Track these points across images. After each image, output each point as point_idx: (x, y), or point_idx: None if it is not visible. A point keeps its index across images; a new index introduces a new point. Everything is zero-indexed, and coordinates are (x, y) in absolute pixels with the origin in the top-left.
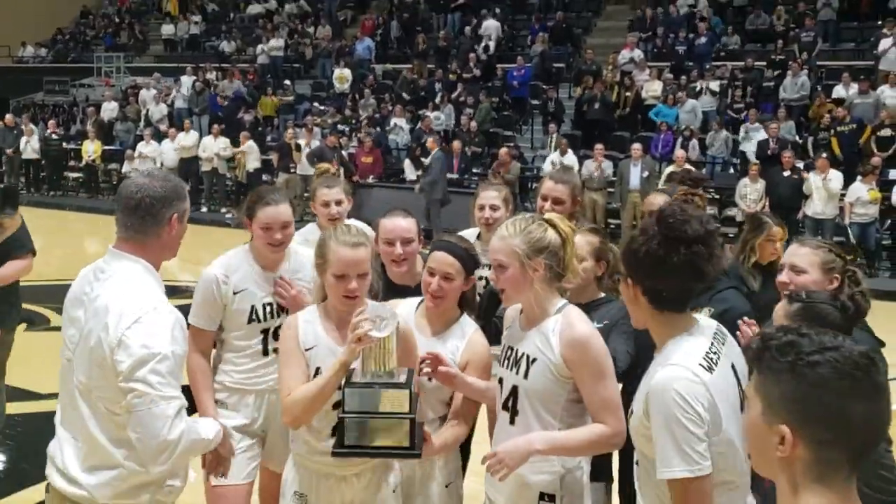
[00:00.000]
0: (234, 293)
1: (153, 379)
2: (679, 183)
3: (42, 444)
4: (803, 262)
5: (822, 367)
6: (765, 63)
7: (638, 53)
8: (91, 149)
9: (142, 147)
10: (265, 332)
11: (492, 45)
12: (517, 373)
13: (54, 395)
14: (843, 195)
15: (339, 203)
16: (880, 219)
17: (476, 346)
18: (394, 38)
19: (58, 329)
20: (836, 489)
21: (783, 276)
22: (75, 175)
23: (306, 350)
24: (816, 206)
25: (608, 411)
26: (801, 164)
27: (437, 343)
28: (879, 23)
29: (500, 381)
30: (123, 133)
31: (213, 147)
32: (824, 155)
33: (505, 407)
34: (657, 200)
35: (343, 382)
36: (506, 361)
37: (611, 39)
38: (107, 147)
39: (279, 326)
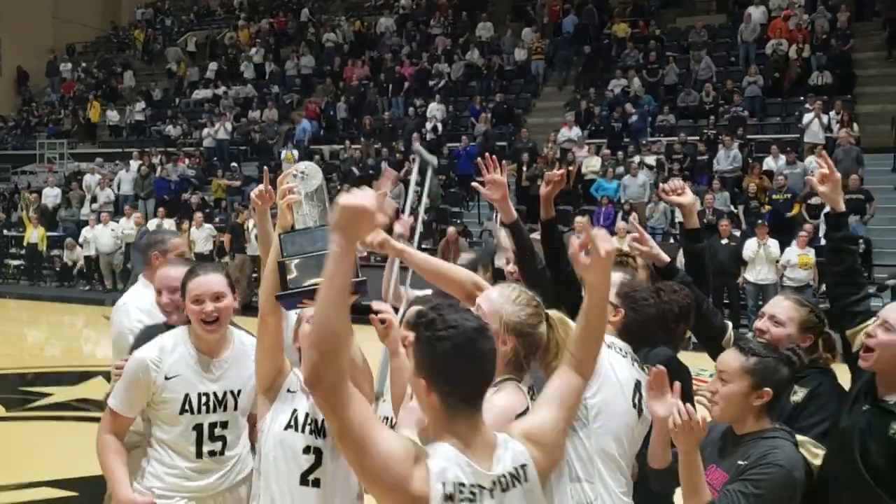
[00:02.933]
0: (166, 378)
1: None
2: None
3: None
4: (783, 315)
5: (444, 342)
6: (697, 137)
7: (576, 132)
8: (35, 235)
9: (86, 232)
10: (198, 428)
11: (438, 125)
12: None
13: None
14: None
15: None
16: (817, 283)
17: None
18: (340, 119)
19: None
20: (460, 423)
21: (760, 324)
22: (16, 262)
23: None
24: (759, 273)
25: None
26: (737, 233)
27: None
28: (801, 98)
29: None
30: (67, 219)
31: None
32: (760, 221)
33: None
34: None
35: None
36: None
37: (549, 119)
38: (50, 233)
39: (215, 424)
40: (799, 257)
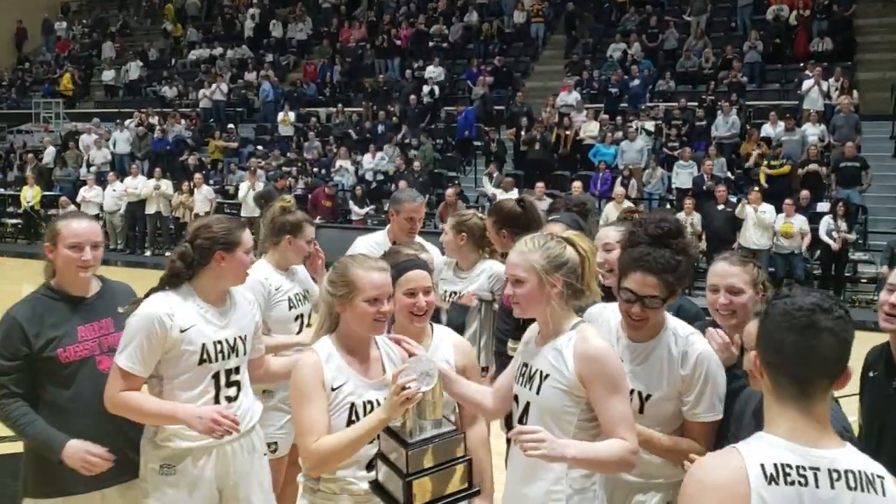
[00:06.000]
0: (182, 331)
1: None
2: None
3: None
4: (740, 281)
5: (775, 308)
6: (696, 103)
7: (575, 96)
8: (30, 194)
9: (84, 192)
10: (216, 376)
11: (435, 89)
12: (530, 389)
13: None
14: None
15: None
16: (811, 250)
17: (466, 349)
18: (335, 82)
19: None
20: (791, 408)
21: (722, 299)
22: (13, 221)
23: (334, 388)
24: (752, 238)
25: (625, 427)
26: (734, 199)
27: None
28: (801, 65)
29: (516, 397)
30: (63, 178)
31: (156, 188)
32: (756, 188)
33: (520, 423)
34: (611, 234)
35: (392, 439)
36: (520, 378)
37: (548, 83)
38: (46, 193)
39: (230, 369)
40: (781, 226)
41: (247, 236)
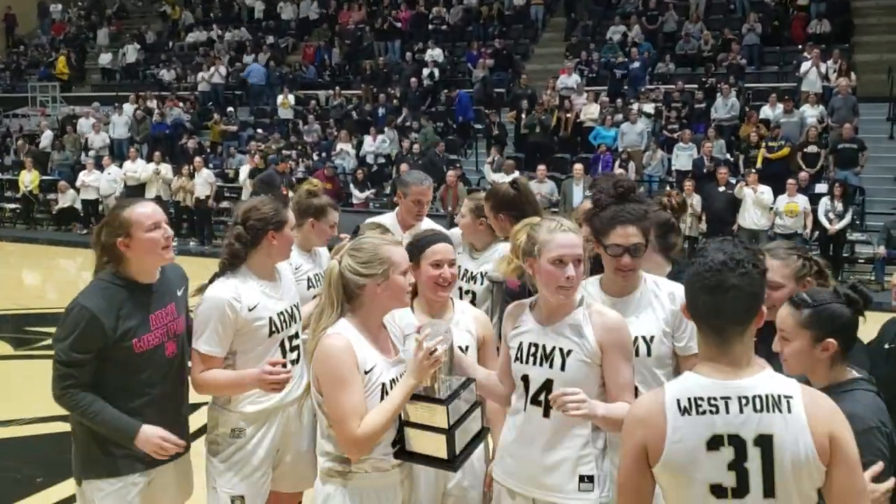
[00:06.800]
0: (249, 309)
1: None
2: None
3: None
4: (777, 276)
5: (691, 268)
6: (695, 86)
7: (575, 78)
8: (28, 179)
9: (84, 176)
10: (282, 343)
11: (435, 71)
12: (551, 366)
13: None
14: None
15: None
16: (810, 232)
17: (486, 321)
18: (335, 64)
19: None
20: (709, 353)
21: None
22: (11, 206)
23: (366, 371)
24: (752, 218)
25: (630, 392)
26: (733, 180)
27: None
28: (800, 47)
29: (525, 377)
30: (60, 163)
31: (156, 172)
32: (753, 170)
33: (535, 401)
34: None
35: (419, 402)
36: (530, 358)
37: (548, 65)
38: (44, 177)
39: (292, 336)
40: (786, 205)
41: (291, 214)
